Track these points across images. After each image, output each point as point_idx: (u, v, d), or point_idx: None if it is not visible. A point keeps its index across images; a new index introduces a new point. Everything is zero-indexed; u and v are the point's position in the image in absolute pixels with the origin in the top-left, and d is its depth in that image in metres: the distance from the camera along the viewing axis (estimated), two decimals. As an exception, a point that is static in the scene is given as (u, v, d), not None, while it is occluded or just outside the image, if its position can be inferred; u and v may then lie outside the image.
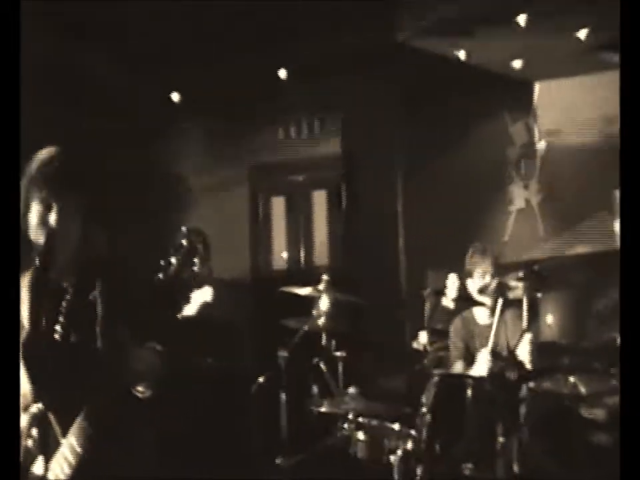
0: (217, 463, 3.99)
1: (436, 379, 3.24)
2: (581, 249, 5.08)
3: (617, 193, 5.27)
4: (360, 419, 3.43)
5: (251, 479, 3.89)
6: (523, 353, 3.31)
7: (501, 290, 3.55)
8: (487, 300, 3.66)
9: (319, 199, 6.53)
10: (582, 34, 4.76)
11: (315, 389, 3.98)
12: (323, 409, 3.51)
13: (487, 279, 3.66)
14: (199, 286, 2.26)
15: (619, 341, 3.72)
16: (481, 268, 3.67)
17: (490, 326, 3.58)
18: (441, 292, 3.86)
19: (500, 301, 3.55)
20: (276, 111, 6.44)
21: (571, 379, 3.05)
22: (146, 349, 2.00)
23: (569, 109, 5.66)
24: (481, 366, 3.48)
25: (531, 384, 3.26)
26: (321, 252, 6.47)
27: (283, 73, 5.83)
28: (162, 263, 2.10)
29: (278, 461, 3.59)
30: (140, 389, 1.96)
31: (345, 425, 3.43)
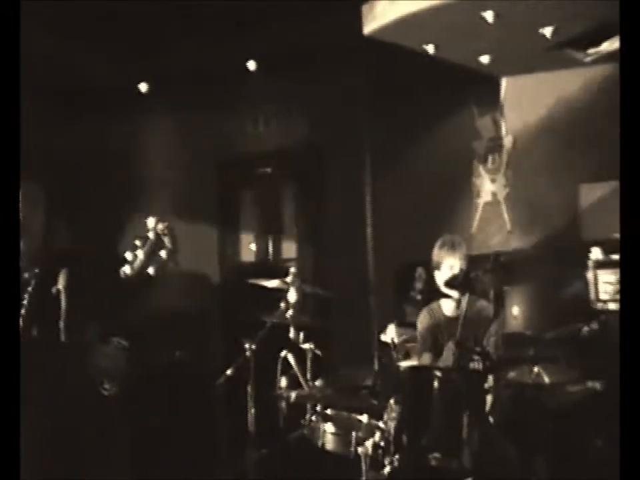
0: (184, 456, 3.98)
1: (404, 370, 3.26)
2: (546, 242, 5.14)
3: (582, 188, 5.36)
4: (328, 411, 3.44)
5: (219, 471, 3.89)
6: (489, 344, 3.35)
7: (468, 282, 3.59)
8: (454, 292, 3.69)
9: (287, 191, 6.52)
10: (547, 31, 4.81)
11: (283, 381, 3.97)
12: (290, 401, 3.51)
13: (455, 271, 3.68)
14: (166, 278, 2.24)
15: (584, 329, 3.79)
16: (448, 260, 3.70)
17: (457, 318, 3.62)
18: (409, 284, 3.88)
19: (466, 293, 3.59)
20: (244, 103, 6.40)
21: (535, 369, 3.10)
22: (111, 345, 1.97)
23: (535, 104, 5.72)
24: (448, 358, 3.52)
25: (497, 374, 3.30)
26: (289, 244, 6.46)
27: (252, 65, 5.80)
28: (128, 255, 2.07)
29: (246, 453, 3.58)
30: (106, 386, 1.93)
31: (313, 417, 3.44)
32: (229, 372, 3.73)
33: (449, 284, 3.68)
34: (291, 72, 5.92)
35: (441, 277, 3.73)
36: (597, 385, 3.26)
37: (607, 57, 5.04)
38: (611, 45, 5.00)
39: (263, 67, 5.80)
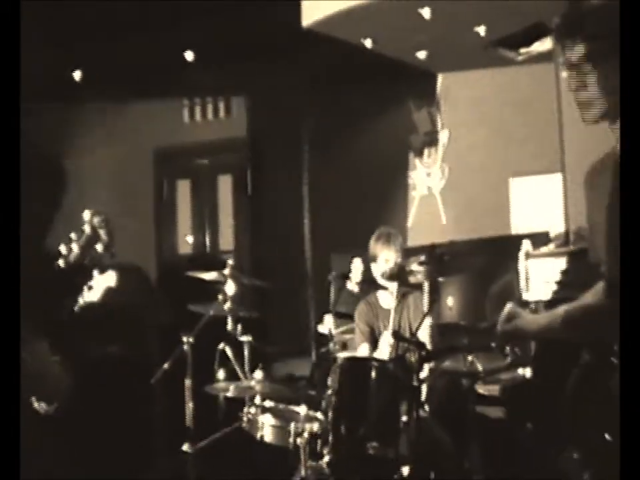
0: (121, 452, 3.90)
1: (341, 361, 3.28)
2: (479, 234, 5.26)
3: (514, 182, 5.50)
4: (266, 403, 3.43)
5: (157, 466, 3.84)
6: (425, 334, 3.40)
7: (404, 274, 3.64)
8: (390, 284, 3.73)
9: (225, 182, 6.47)
10: (481, 30, 4.92)
11: (221, 374, 3.95)
12: (229, 394, 3.49)
13: (390, 264, 3.72)
14: (102, 271, 2.19)
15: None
16: (385, 252, 3.73)
17: (394, 309, 3.67)
18: (346, 276, 3.90)
19: (402, 286, 3.65)
20: (182, 93, 6.31)
21: (470, 357, 3.17)
22: (48, 363, 1.90)
23: (470, 100, 5.83)
24: (385, 348, 3.56)
25: (432, 364, 3.36)
26: (227, 236, 6.42)
27: (189, 55, 5.70)
28: (62, 249, 2.02)
29: (184, 447, 3.54)
30: (43, 405, 1.87)
31: (252, 410, 3.43)
32: (166, 366, 3.68)
33: (385, 276, 3.72)
34: (229, 63, 5.85)
35: (377, 269, 3.76)
36: (527, 372, 3.36)
37: (538, 57, 5.19)
38: (542, 45, 5.14)
39: (200, 57, 5.72)
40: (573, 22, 1.79)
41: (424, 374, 3.33)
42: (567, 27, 1.80)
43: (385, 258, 3.72)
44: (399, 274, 3.68)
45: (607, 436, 1.86)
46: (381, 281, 3.76)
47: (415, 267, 3.50)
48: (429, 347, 3.23)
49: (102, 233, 2.08)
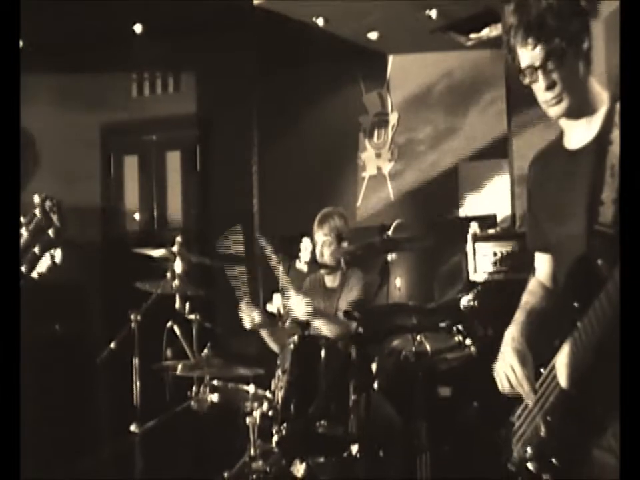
0: (67, 433, 3.81)
1: (291, 340, 3.26)
2: (428, 216, 5.30)
3: (462, 165, 5.56)
4: (215, 382, 3.40)
5: (103, 447, 3.77)
6: (374, 313, 3.41)
7: (352, 254, 3.63)
8: (336, 263, 3.72)
9: (173, 159, 6.33)
10: (433, 13, 4.92)
11: (169, 353, 3.88)
12: (177, 373, 3.44)
13: (332, 244, 3.71)
14: (48, 248, 2.11)
15: (461, 302, 3.95)
16: (326, 233, 3.72)
17: (340, 288, 3.67)
18: (294, 255, 3.87)
19: (348, 265, 3.65)
20: (129, 67, 6.13)
21: (418, 337, 3.19)
22: None
23: (420, 82, 5.84)
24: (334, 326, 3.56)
25: (381, 343, 3.38)
26: (175, 213, 6.31)
27: (138, 28, 5.54)
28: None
29: (132, 427, 3.47)
30: None
31: (200, 389, 3.39)
32: (112, 345, 3.60)
33: (332, 255, 3.71)
34: (179, 38, 5.71)
35: (324, 249, 3.75)
36: (473, 351, 3.41)
37: (487, 43, 5.23)
38: (491, 31, 5.19)
39: (149, 30, 5.56)
40: (529, 24, 1.78)
41: (373, 353, 3.36)
42: (525, 29, 1.79)
43: (328, 238, 3.70)
44: (343, 254, 3.67)
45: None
46: (328, 261, 3.75)
47: (363, 246, 3.49)
48: (378, 326, 3.24)
49: (54, 218, 2.00)
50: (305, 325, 3.25)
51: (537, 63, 1.80)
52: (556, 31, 1.77)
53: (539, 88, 1.84)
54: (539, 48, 1.78)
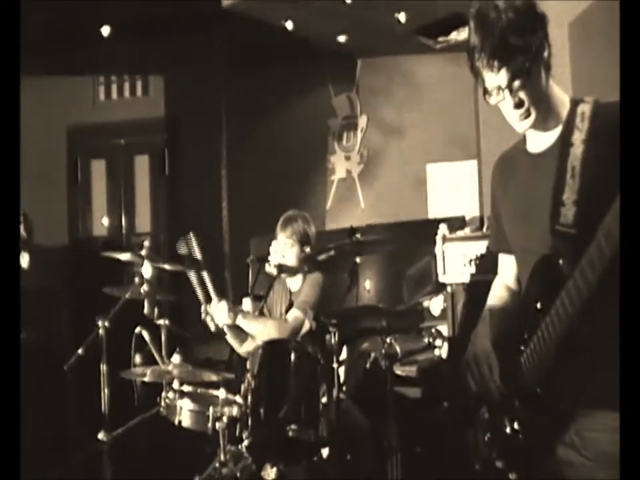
0: (33, 442, 3.72)
1: (260, 344, 3.24)
2: (396, 218, 5.32)
3: (430, 167, 5.59)
4: (184, 388, 3.35)
5: (71, 456, 3.69)
6: (343, 316, 3.40)
7: (320, 256, 3.61)
8: (299, 266, 3.70)
9: (141, 163, 6.28)
10: (402, 17, 4.95)
11: (138, 359, 3.83)
12: (146, 379, 3.38)
13: (299, 246, 3.68)
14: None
15: (430, 304, 3.97)
16: (280, 236, 3.69)
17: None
18: (264, 259, 3.84)
19: (312, 269, 3.64)
20: (97, 70, 6.06)
21: (388, 339, 3.19)
22: None
23: (388, 86, 5.86)
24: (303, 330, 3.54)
25: (351, 346, 3.37)
26: (143, 218, 6.25)
27: (105, 30, 5.47)
28: None
29: (100, 435, 3.41)
30: None
31: (169, 394, 3.34)
32: (80, 351, 3.54)
33: (292, 259, 3.68)
34: (147, 40, 5.66)
35: (282, 252, 3.71)
36: (443, 353, 3.41)
37: (455, 46, 5.27)
38: (459, 34, 5.23)
39: (117, 32, 5.49)
40: (493, 47, 1.76)
41: (343, 356, 3.35)
42: (490, 53, 1.77)
43: (289, 242, 3.67)
44: (313, 256, 3.65)
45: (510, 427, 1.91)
46: (293, 264, 3.72)
47: (332, 249, 3.48)
48: (348, 329, 3.23)
49: (21, 229, 1.97)
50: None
51: (504, 84, 1.79)
52: (519, 49, 1.76)
53: (507, 106, 1.84)
54: (504, 70, 1.77)
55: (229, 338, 3.70)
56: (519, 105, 1.81)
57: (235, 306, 3.72)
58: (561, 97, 1.90)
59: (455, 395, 3.07)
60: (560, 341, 1.75)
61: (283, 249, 3.67)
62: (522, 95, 1.80)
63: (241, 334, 3.68)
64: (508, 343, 1.94)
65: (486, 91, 1.85)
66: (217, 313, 3.45)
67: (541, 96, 1.83)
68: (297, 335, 3.46)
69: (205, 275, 3.64)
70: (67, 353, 3.59)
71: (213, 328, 3.58)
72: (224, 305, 3.45)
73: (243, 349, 3.69)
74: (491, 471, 1.95)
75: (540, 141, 1.92)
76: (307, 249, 3.68)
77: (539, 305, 1.82)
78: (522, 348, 1.87)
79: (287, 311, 3.61)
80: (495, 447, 1.96)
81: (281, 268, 3.65)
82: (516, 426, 1.88)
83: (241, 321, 3.48)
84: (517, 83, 1.79)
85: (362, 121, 5.98)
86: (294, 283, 3.77)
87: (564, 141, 1.84)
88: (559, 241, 1.79)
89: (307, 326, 3.46)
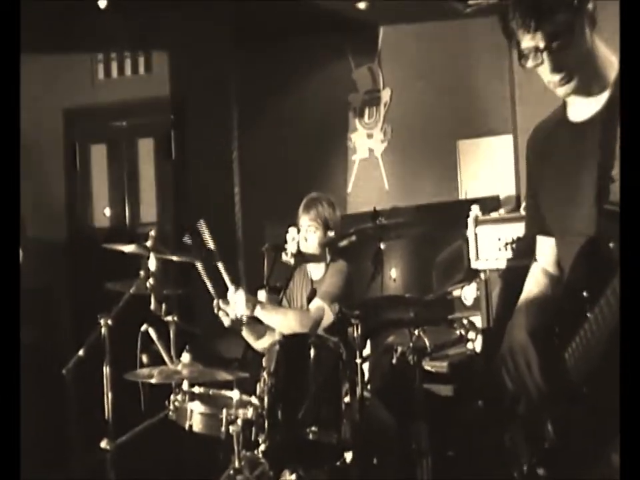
0: (31, 452, 3.75)
1: (277, 339, 3.24)
2: (424, 200, 5.29)
3: (461, 144, 5.54)
4: (195, 389, 3.37)
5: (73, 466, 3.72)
6: (367, 307, 3.38)
7: (340, 242, 3.60)
8: (321, 253, 3.70)
9: (146, 146, 6.30)
10: (429, -20, 4.90)
11: (144, 359, 3.85)
12: (153, 381, 3.40)
13: (323, 231, 3.69)
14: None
15: (462, 293, 3.94)
16: (316, 218, 3.69)
17: (323, 280, 3.65)
18: (280, 247, 3.84)
19: (335, 257, 3.63)
20: (95, 46, 6.08)
21: (416, 332, 3.18)
22: None
23: (414, 55, 5.80)
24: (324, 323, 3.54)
25: (376, 339, 3.36)
26: (148, 207, 6.28)
27: (102, 2, 5.47)
28: None
29: (103, 444, 3.43)
30: None
31: (179, 397, 3.35)
32: (81, 352, 3.56)
33: (314, 244, 3.69)
34: (149, 13, 5.66)
35: (304, 236, 3.72)
36: (477, 346, 3.39)
37: (487, 9, 5.19)
38: (492, -4, 5.16)
39: (115, 4, 5.50)
40: (528, 6, 1.73)
41: (367, 351, 3.33)
42: (525, 10, 1.74)
43: (312, 226, 3.68)
44: (329, 244, 3.65)
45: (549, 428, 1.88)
46: (315, 251, 3.72)
47: (354, 234, 3.47)
48: (373, 320, 3.22)
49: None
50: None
51: (541, 45, 1.75)
52: (559, 3, 1.72)
53: (545, 70, 1.79)
54: (541, 29, 1.73)
55: (245, 333, 3.71)
56: (558, 68, 1.77)
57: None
58: (608, 57, 1.84)
59: (490, 393, 3.05)
60: (611, 334, 1.69)
61: (305, 233, 3.68)
62: (561, 56, 1.76)
63: (259, 327, 3.69)
64: (548, 335, 1.91)
65: (521, 54, 1.80)
66: (235, 304, 3.45)
67: (584, 57, 1.78)
68: (319, 328, 3.46)
69: (220, 265, 3.64)
70: (67, 355, 3.63)
71: (227, 323, 3.59)
72: (241, 294, 3.45)
73: (259, 344, 3.70)
74: (531, 479, 1.91)
75: (583, 108, 1.87)
76: (331, 235, 3.69)
77: (585, 294, 1.78)
78: (565, 341, 1.83)
79: (308, 302, 3.61)
80: (535, 452, 1.92)
81: (302, 255, 3.66)
82: (559, 429, 1.85)
83: (259, 312, 3.49)
84: (556, 44, 1.74)
85: (385, 95, 5.94)
86: (316, 271, 3.77)
87: (613, 108, 1.77)
88: (607, 221, 1.73)
89: (329, 318, 3.45)
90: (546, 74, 1.80)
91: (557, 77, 1.79)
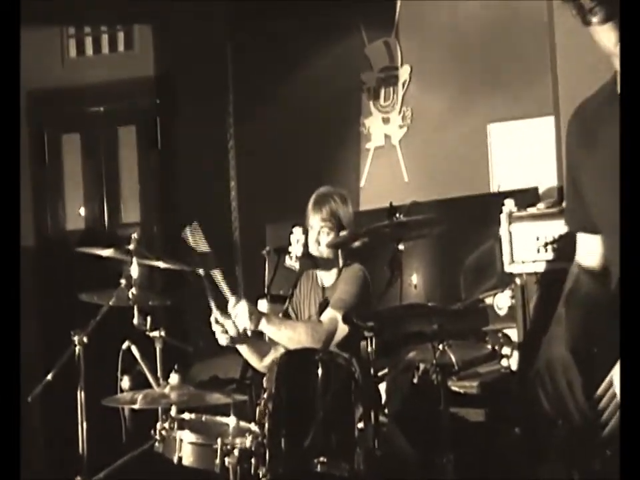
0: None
1: (279, 356, 3.25)
2: (450, 194, 5.30)
3: (492, 128, 5.55)
4: (185, 415, 3.39)
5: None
6: (384, 317, 3.40)
7: (352, 244, 3.62)
8: (334, 256, 3.72)
9: (127, 136, 6.35)
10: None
11: (126, 382, 3.89)
12: (136, 406, 3.43)
13: (336, 231, 3.71)
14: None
15: (495, 301, 3.94)
16: (330, 217, 3.71)
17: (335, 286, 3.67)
18: (284, 250, 3.87)
19: (343, 259, 3.65)
20: (65, 19, 6.12)
21: (440, 346, 3.19)
22: None
23: (436, 28, 5.81)
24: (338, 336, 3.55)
25: (394, 355, 3.37)
26: (131, 205, 6.33)
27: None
28: None
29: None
30: None
31: (166, 424, 3.38)
32: (49, 376, 3.60)
33: (327, 247, 3.71)
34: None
35: (313, 240, 3.74)
36: (512, 364, 3.40)
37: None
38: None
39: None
40: None
41: (384, 369, 3.34)
42: None
43: (324, 226, 3.70)
44: (341, 245, 3.67)
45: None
46: (324, 254, 3.75)
47: (368, 234, 3.49)
48: (388, 333, 3.24)
49: None
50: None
51: None
52: None
53: (610, 28, 1.79)
54: None
55: (246, 351, 3.72)
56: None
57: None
58: None
59: (528, 418, 3.05)
60: None
61: (318, 235, 3.70)
62: None
63: (262, 345, 3.70)
64: (592, 349, 1.90)
65: (585, 11, 1.79)
66: (236, 317, 3.47)
67: None
68: (332, 342, 3.47)
69: (217, 273, 3.66)
70: (34, 379, 3.65)
71: (224, 341, 3.60)
72: (244, 306, 3.46)
73: (263, 363, 3.71)
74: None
75: None
76: (343, 234, 3.72)
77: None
78: (614, 357, 1.83)
79: (319, 312, 3.63)
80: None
81: (312, 259, 3.68)
82: (609, 458, 1.84)
83: (264, 326, 3.49)
84: None
85: (404, 73, 5.95)
86: (327, 277, 3.80)
87: None
88: None
89: (344, 331, 3.47)
90: (607, 37, 1.79)
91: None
